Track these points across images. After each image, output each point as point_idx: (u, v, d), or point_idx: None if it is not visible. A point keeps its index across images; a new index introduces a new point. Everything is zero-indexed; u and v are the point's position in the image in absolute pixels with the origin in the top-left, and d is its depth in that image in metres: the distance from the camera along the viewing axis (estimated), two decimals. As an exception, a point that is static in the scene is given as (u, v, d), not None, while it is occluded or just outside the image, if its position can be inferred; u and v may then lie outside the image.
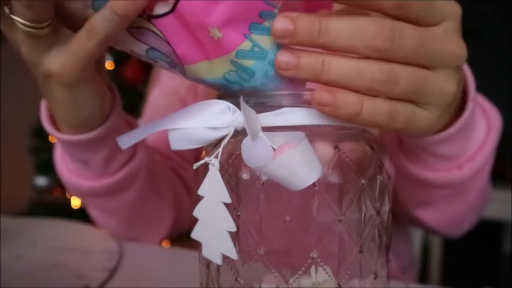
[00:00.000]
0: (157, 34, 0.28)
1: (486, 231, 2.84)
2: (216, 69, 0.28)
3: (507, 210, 1.94)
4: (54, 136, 0.40)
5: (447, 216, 0.48)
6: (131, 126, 0.46)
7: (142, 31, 0.29)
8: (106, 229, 0.56)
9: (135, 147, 0.46)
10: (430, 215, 0.48)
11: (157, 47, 0.29)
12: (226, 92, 0.30)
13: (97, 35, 0.28)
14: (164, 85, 0.69)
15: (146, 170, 0.47)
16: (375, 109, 0.25)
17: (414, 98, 0.27)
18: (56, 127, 0.40)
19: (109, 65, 1.71)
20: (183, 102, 0.65)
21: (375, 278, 0.29)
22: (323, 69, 0.25)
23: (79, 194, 0.48)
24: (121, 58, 1.68)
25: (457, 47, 0.27)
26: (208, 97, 0.63)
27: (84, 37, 0.29)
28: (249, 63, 0.27)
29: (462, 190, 0.44)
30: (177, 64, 0.30)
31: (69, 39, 0.30)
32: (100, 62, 0.38)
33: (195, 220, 0.29)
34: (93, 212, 0.53)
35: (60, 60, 0.31)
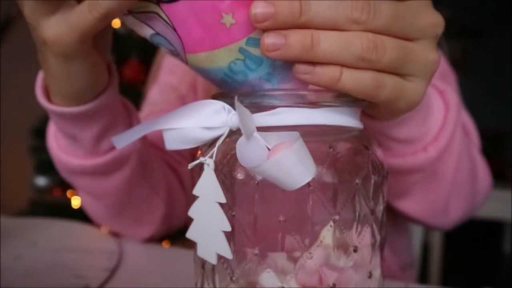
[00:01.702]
0: (164, 20, 0.28)
1: (486, 231, 2.85)
2: (221, 58, 0.28)
3: (507, 210, 1.94)
4: (44, 106, 0.39)
5: (428, 204, 0.48)
6: (129, 111, 0.46)
7: (150, 15, 0.29)
8: (94, 217, 0.55)
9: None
10: (411, 205, 0.49)
11: (162, 33, 0.29)
12: (221, 92, 0.30)
13: (99, 8, 0.28)
14: (162, 82, 0.69)
15: (137, 156, 0.47)
16: (357, 75, 0.26)
17: (400, 69, 0.27)
18: (49, 99, 0.39)
19: (109, 65, 1.70)
20: (183, 100, 0.64)
21: (369, 277, 0.29)
22: (312, 44, 0.25)
23: (67, 172, 0.47)
24: (121, 58, 1.68)
25: (433, 17, 0.28)
26: (207, 95, 0.63)
27: (85, 8, 0.28)
28: (259, 51, 0.27)
29: (434, 174, 0.45)
30: (179, 53, 0.30)
31: (72, 9, 0.30)
32: (103, 38, 0.37)
33: (188, 218, 0.29)
34: (82, 195, 0.52)
35: (57, 28, 0.30)
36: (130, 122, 0.46)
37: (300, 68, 0.26)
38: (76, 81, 0.35)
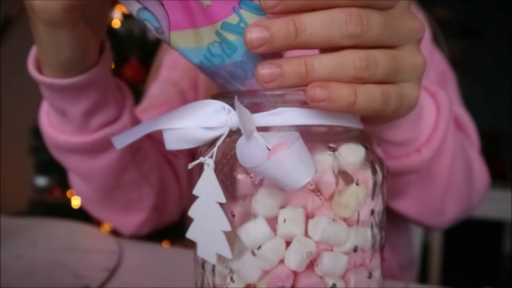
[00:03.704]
0: None
1: (486, 231, 2.85)
2: (201, 39, 0.29)
3: (507, 210, 1.94)
4: (34, 76, 0.39)
5: (423, 204, 0.49)
6: (122, 93, 0.46)
7: None
8: (83, 201, 0.54)
9: (120, 111, 0.45)
10: (407, 206, 0.49)
11: (150, 7, 0.29)
12: (222, 92, 0.30)
13: None
14: (163, 77, 0.68)
15: None
16: (369, 94, 0.26)
17: (394, 78, 0.27)
18: (41, 72, 0.40)
19: (109, 65, 1.70)
20: (183, 96, 0.64)
21: (369, 277, 0.29)
22: (307, 71, 0.25)
23: (56, 150, 0.47)
24: (121, 58, 1.68)
25: (415, 23, 0.28)
26: (208, 92, 0.63)
27: None
28: (233, 37, 0.27)
29: (428, 175, 0.45)
30: (163, 31, 0.30)
31: None
32: (98, 14, 0.38)
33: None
34: (72, 177, 0.52)
35: None
36: (123, 104, 0.45)
37: (316, 95, 0.25)
38: (63, 50, 0.35)
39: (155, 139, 0.55)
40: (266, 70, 0.25)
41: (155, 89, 0.67)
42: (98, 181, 0.49)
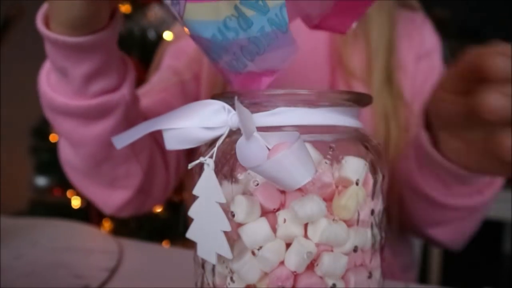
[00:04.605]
0: None
1: (486, 231, 2.84)
2: (219, 12, 0.29)
3: (507, 210, 1.93)
4: (41, 31, 0.40)
5: (461, 233, 0.51)
6: (126, 65, 0.46)
7: None
8: (70, 171, 0.54)
9: (121, 81, 0.45)
10: (444, 234, 0.51)
11: None
12: (222, 92, 0.30)
13: None
14: (165, 65, 0.68)
15: (124, 110, 0.46)
16: None
17: None
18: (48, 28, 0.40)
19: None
20: (183, 86, 0.64)
21: (369, 277, 0.29)
22: None
23: (51, 111, 0.46)
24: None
25: None
26: (211, 88, 0.63)
27: None
28: (250, 13, 0.28)
29: (479, 211, 0.48)
30: (179, 1, 0.30)
31: None
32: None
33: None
34: (62, 143, 0.52)
35: None
36: (124, 76, 0.45)
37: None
38: (75, 7, 0.36)
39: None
40: (500, 102, 0.27)
41: (156, 77, 0.67)
42: (88, 150, 0.48)
